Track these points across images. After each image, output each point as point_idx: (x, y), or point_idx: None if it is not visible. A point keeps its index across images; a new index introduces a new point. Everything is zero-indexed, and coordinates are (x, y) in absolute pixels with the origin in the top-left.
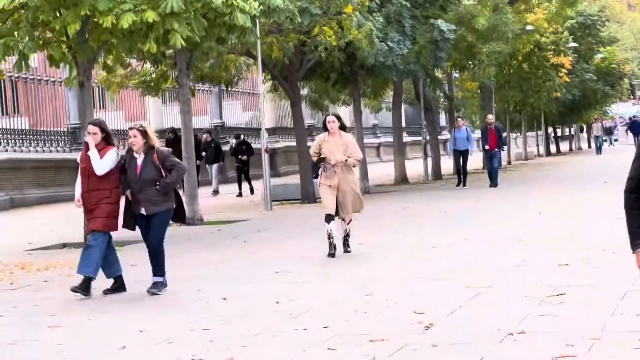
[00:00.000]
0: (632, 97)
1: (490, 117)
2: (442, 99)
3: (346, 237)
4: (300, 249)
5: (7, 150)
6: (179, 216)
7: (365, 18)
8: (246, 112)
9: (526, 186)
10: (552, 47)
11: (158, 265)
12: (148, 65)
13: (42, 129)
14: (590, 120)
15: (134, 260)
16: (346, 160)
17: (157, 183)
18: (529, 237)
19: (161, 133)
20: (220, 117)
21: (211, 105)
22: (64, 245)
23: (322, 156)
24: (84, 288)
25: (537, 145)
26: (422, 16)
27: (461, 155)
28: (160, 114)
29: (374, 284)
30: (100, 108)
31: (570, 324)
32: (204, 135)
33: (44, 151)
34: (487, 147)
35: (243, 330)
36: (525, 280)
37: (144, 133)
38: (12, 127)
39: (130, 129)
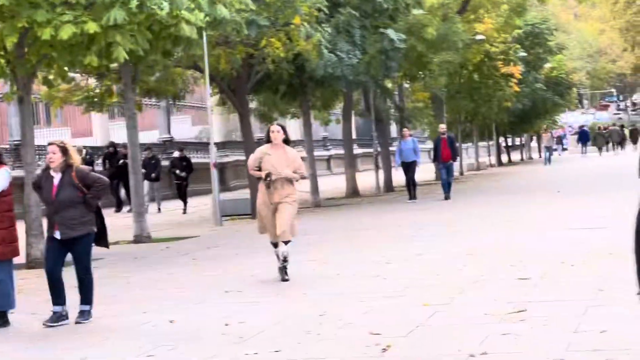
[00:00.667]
0: (580, 106)
1: (443, 127)
2: (393, 110)
3: (284, 262)
4: (250, 266)
5: None
6: (101, 240)
7: (314, 29)
8: (195, 126)
9: (479, 197)
10: (502, 56)
11: (86, 293)
12: (92, 79)
13: None
14: (540, 130)
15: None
16: (291, 177)
17: (76, 203)
18: (486, 251)
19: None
20: (169, 132)
21: (159, 119)
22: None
23: (262, 170)
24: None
25: (489, 155)
26: (372, 26)
27: (408, 168)
28: (106, 130)
29: (327, 303)
30: (45, 124)
31: (533, 343)
32: (145, 152)
33: None
34: (439, 159)
35: (190, 356)
36: (484, 296)
37: (64, 150)
38: None
39: (50, 144)
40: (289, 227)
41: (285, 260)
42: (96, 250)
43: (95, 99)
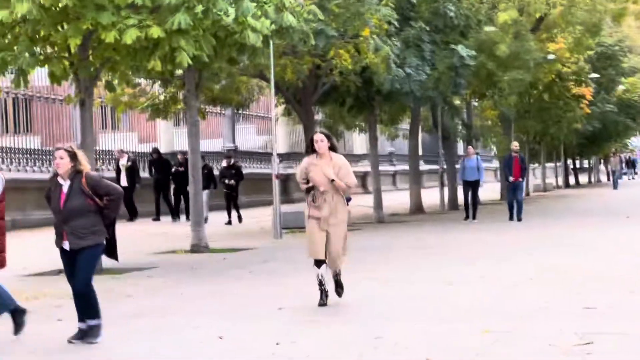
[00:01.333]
0: None
1: (516, 145)
2: (460, 127)
3: (336, 277)
4: (307, 282)
5: (10, 170)
6: (111, 252)
7: (383, 42)
8: (261, 136)
9: (545, 219)
10: (574, 77)
11: (89, 308)
12: (157, 86)
13: (48, 148)
14: (609, 153)
15: (129, 291)
16: (334, 180)
17: (86, 212)
18: (551, 276)
19: (172, 155)
20: (233, 141)
21: (224, 128)
22: (59, 272)
23: (311, 183)
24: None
25: (556, 176)
26: (442, 41)
27: (471, 187)
28: (171, 136)
29: (384, 325)
30: (112, 129)
31: None
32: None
33: (49, 171)
34: (511, 178)
35: None
36: (549, 325)
37: (73, 155)
38: (16, 147)
39: (57, 149)
40: (341, 254)
41: (338, 274)
42: (150, 259)
43: (160, 106)
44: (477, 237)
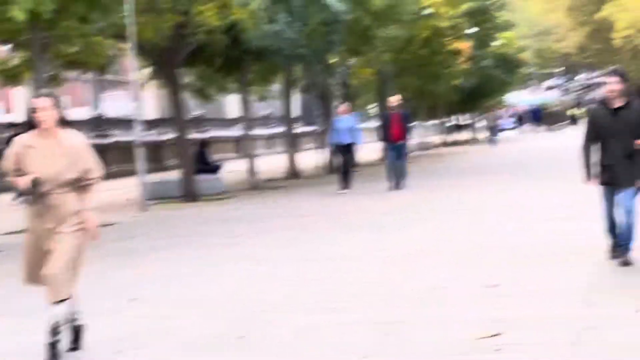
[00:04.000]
0: (527, 85)
1: (394, 100)
2: (336, 87)
3: (53, 335)
4: (166, 264)
5: None
6: None
7: None
8: (130, 102)
9: (429, 181)
10: (451, 32)
11: None
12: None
13: None
14: (488, 108)
15: None
16: (73, 182)
17: None
18: (443, 247)
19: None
20: (97, 108)
21: (89, 95)
22: None
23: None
24: None
25: (438, 134)
26: None
27: (344, 151)
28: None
29: (251, 319)
30: None
31: None
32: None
33: None
34: (387, 138)
35: None
36: (446, 312)
37: None
38: None
39: None
40: (64, 277)
41: (55, 331)
42: None
43: (12, 72)
44: (357, 204)
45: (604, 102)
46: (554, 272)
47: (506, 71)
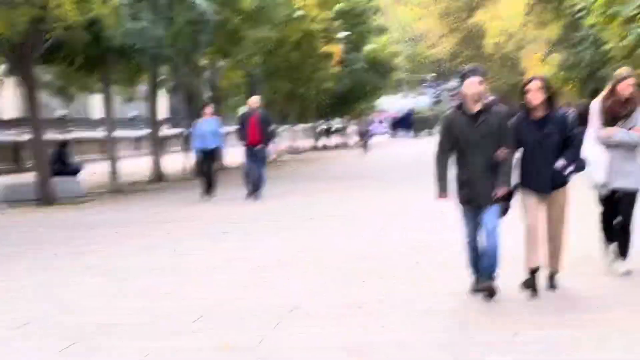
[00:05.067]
0: (399, 90)
1: (254, 100)
2: (206, 88)
3: None
4: (3, 276)
5: None
6: None
7: None
8: None
9: (296, 185)
10: (323, 34)
11: None
12: None
13: None
14: (359, 113)
15: None
16: None
17: None
18: (308, 259)
19: None
20: None
21: None
22: None
23: None
24: None
25: (307, 138)
26: None
27: (207, 156)
28: None
29: (91, 338)
30: None
31: None
32: None
33: None
34: (245, 141)
35: None
36: (306, 335)
37: None
38: None
39: None
40: None
41: None
42: None
43: None
44: (219, 211)
45: (460, 107)
46: (426, 290)
47: (378, 76)
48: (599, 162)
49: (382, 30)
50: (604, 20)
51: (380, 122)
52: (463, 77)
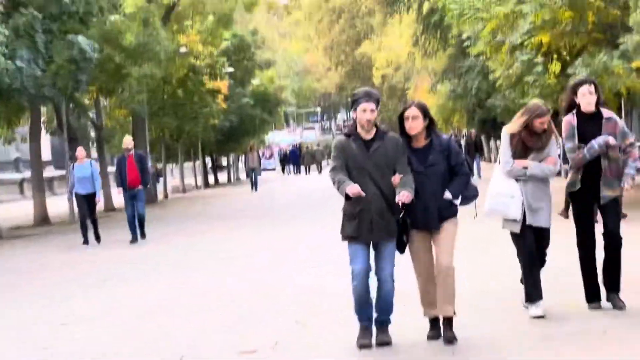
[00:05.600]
0: (286, 125)
1: (129, 141)
2: (90, 128)
3: None
4: None
5: None
6: None
7: None
8: None
9: (183, 225)
10: (208, 70)
11: None
12: None
13: None
14: (248, 148)
15: None
16: None
17: None
18: (193, 302)
19: None
20: None
21: None
22: None
23: None
24: None
25: (195, 176)
26: (60, 31)
27: (86, 202)
28: None
29: None
30: None
31: None
32: None
33: None
34: (124, 184)
35: None
36: None
37: None
38: None
39: None
40: None
41: None
42: None
43: None
44: (97, 256)
45: (352, 134)
46: (323, 335)
47: (265, 110)
48: (510, 197)
49: (268, 65)
50: (491, 49)
51: (269, 157)
52: (356, 101)
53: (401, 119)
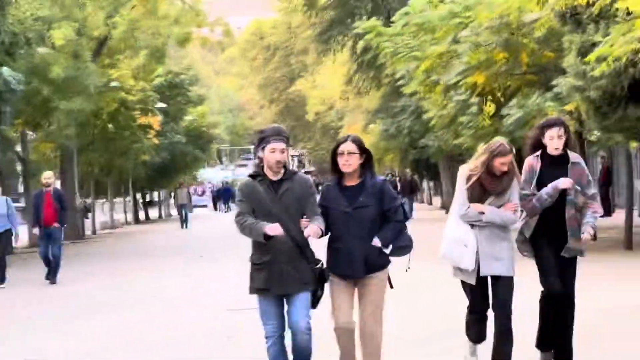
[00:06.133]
0: (219, 162)
1: (48, 176)
2: (16, 162)
3: None
4: None
5: None
6: None
7: None
8: None
9: (111, 263)
10: (140, 106)
11: None
12: None
13: None
14: (179, 185)
15: None
16: None
17: None
18: (116, 350)
19: None
20: None
21: None
22: None
23: None
24: None
25: (125, 212)
26: None
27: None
28: None
29: None
30: None
31: None
32: None
33: None
34: (36, 230)
35: None
36: None
37: None
38: None
39: None
40: None
41: None
42: None
43: None
44: (8, 298)
45: (258, 175)
46: None
47: (198, 147)
48: (464, 246)
49: (201, 101)
50: (425, 89)
51: (201, 194)
52: (263, 139)
53: (334, 154)
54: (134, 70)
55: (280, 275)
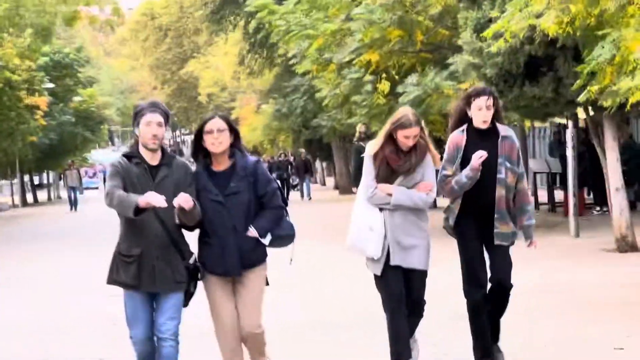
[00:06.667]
0: (111, 143)
1: None
2: None
3: None
4: None
5: None
6: None
7: None
8: None
9: None
10: (26, 86)
11: None
12: None
13: None
14: (68, 167)
15: None
16: None
17: None
18: None
19: None
20: None
21: None
22: None
23: None
24: None
25: (12, 194)
26: None
27: None
28: None
29: None
30: None
31: None
32: None
33: None
34: None
35: None
36: None
37: None
38: None
39: None
40: None
41: None
42: None
43: None
44: None
45: (133, 157)
46: None
47: (88, 128)
48: (369, 229)
49: (91, 82)
50: (318, 68)
51: (92, 176)
52: (138, 114)
53: (199, 134)
54: (20, 49)
55: (152, 270)
